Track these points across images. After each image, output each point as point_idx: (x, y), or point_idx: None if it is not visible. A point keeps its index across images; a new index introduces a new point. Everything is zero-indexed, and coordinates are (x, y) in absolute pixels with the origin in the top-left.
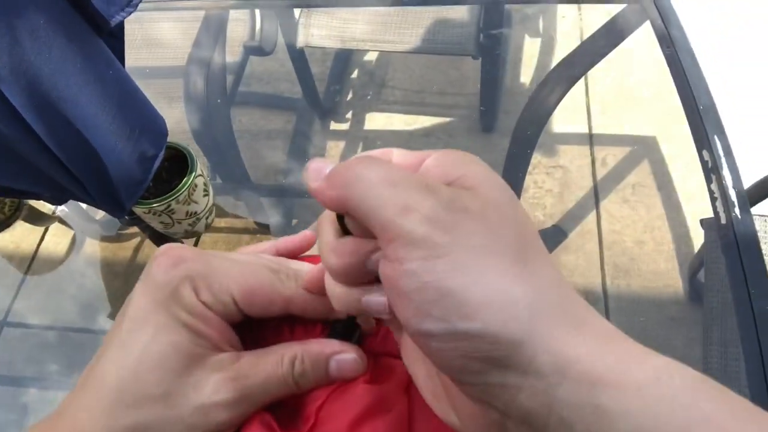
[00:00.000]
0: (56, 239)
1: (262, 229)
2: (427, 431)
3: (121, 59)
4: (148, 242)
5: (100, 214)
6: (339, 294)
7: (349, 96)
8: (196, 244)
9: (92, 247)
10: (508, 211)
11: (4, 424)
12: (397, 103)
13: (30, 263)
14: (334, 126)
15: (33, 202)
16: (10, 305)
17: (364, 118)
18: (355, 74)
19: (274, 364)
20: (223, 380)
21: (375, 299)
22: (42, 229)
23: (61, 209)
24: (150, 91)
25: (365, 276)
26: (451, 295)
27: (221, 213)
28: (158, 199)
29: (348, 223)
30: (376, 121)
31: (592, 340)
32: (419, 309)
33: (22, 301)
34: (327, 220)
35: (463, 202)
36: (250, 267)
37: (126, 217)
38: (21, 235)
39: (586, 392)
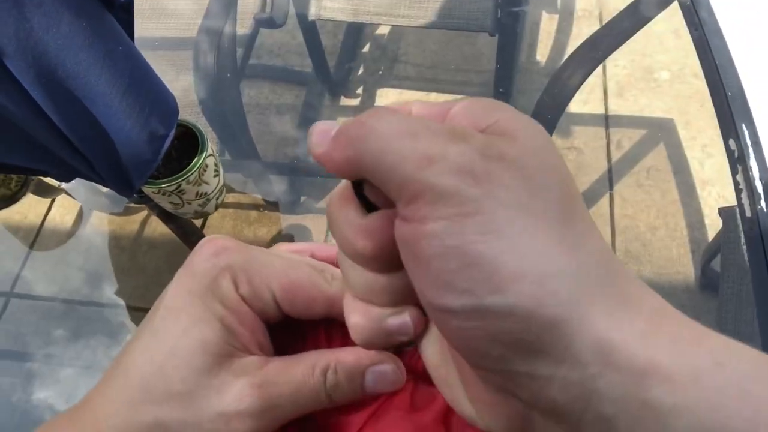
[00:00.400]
0: (63, 211)
1: (270, 206)
2: None
3: (131, 34)
4: (155, 217)
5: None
6: (356, 323)
7: (361, 71)
8: (204, 221)
9: (99, 220)
10: (551, 160)
11: (9, 387)
12: (410, 79)
13: (36, 235)
14: (344, 101)
15: None
16: (17, 276)
17: (375, 94)
18: (366, 48)
19: (304, 373)
20: (248, 386)
21: (400, 320)
22: (48, 201)
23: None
24: (158, 62)
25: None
26: (479, 262)
27: (229, 189)
28: (168, 179)
29: (369, 192)
30: (387, 97)
31: (642, 321)
32: (440, 279)
33: (29, 272)
34: (344, 198)
35: (498, 148)
36: (294, 263)
37: (135, 195)
38: (27, 207)
39: (632, 384)
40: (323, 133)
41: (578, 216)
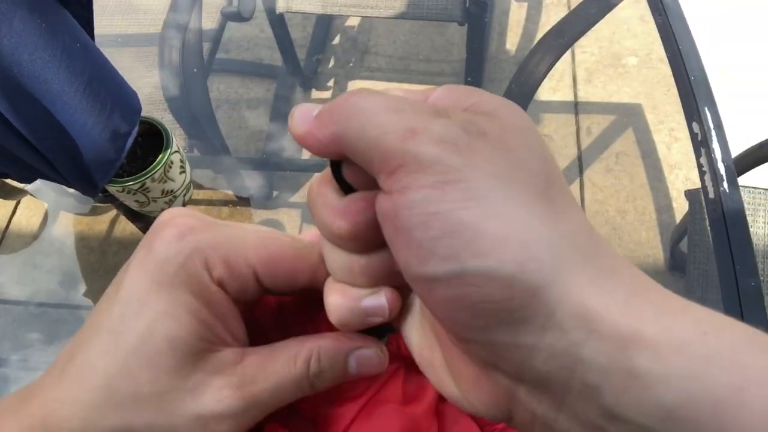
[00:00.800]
0: (29, 213)
1: (242, 202)
2: None
3: (90, 31)
4: (124, 217)
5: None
6: (334, 302)
7: (331, 63)
8: None
9: (66, 222)
10: (531, 138)
11: None
12: (381, 71)
13: (1, 239)
14: (315, 94)
15: None
16: None
17: (346, 86)
18: (336, 40)
19: (285, 364)
20: (226, 387)
21: (375, 301)
22: (13, 203)
23: (34, 182)
24: (125, 59)
25: (381, 239)
26: (462, 228)
27: (199, 186)
28: (133, 177)
29: (348, 173)
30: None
31: (625, 291)
32: (422, 247)
33: None
34: (323, 181)
35: (480, 125)
36: (270, 234)
37: (100, 194)
38: None
39: (617, 353)
40: (305, 114)
41: (559, 191)
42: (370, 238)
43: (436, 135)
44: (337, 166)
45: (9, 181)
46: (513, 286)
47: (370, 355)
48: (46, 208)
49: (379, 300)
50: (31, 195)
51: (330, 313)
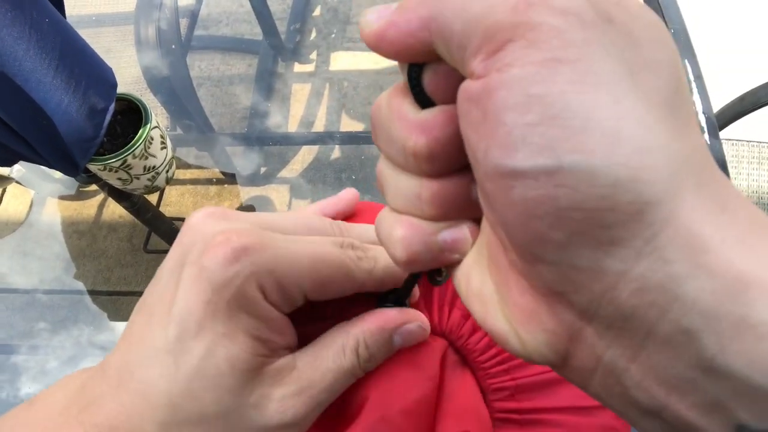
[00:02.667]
0: (16, 200)
1: (229, 180)
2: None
3: (60, 7)
4: (113, 200)
5: (58, 173)
6: (402, 236)
7: (313, 35)
8: (160, 198)
9: (55, 207)
10: (662, 36)
11: None
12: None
13: None
14: (298, 68)
15: None
16: None
17: (329, 58)
18: (317, 11)
19: (336, 359)
20: (287, 397)
21: (457, 233)
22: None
23: (18, 169)
24: (102, 40)
25: (458, 161)
26: (568, 115)
27: (184, 165)
28: (113, 154)
29: (430, 80)
30: (342, 60)
31: (743, 226)
32: (513, 134)
33: None
34: (398, 92)
35: (606, 7)
36: (320, 251)
37: (83, 174)
38: None
39: (730, 295)
40: (380, 10)
41: (684, 101)
42: (447, 159)
43: (559, 5)
44: (417, 73)
45: None
46: (616, 195)
47: (414, 329)
48: (31, 196)
49: (462, 232)
50: (17, 182)
51: (394, 248)
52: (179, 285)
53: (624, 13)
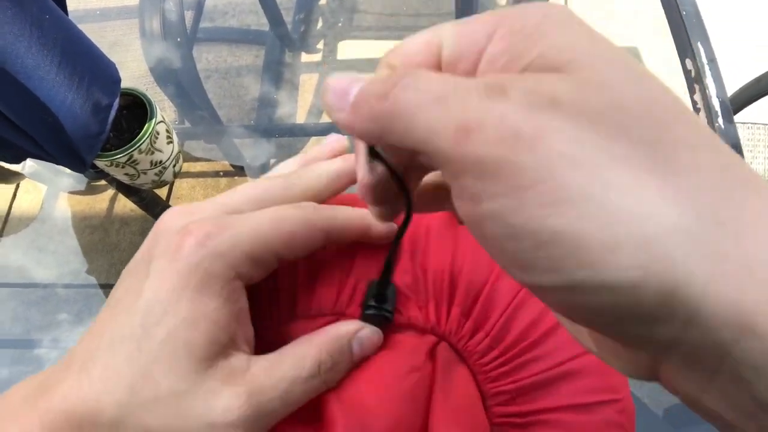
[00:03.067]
0: (29, 195)
1: (239, 172)
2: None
3: (61, 3)
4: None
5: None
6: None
7: (319, 24)
8: (170, 191)
9: (66, 202)
10: (626, 88)
11: (19, 377)
12: (371, 29)
13: (4, 223)
14: (305, 58)
15: None
16: None
17: (336, 47)
18: (323, 1)
19: (293, 367)
20: (236, 396)
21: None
22: (12, 186)
23: (30, 165)
24: (107, 34)
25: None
26: (555, 239)
27: (193, 158)
28: (119, 150)
29: (384, 148)
30: (349, 49)
31: None
32: (518, 260)
33: (1, 260)
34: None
35: (549, 92)
36: (279, 211)
37: (90, 170)
38: None
39: None
40: (341, 95)
41: (678, 143)
42: (383, 196)
43: (495, 129)
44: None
45: (3, 164)
46: (638, 294)
47: (369, 334)
48: (43, 192)
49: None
50: (29, 178)
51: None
52: (147, 277)
53: (572, 84)
